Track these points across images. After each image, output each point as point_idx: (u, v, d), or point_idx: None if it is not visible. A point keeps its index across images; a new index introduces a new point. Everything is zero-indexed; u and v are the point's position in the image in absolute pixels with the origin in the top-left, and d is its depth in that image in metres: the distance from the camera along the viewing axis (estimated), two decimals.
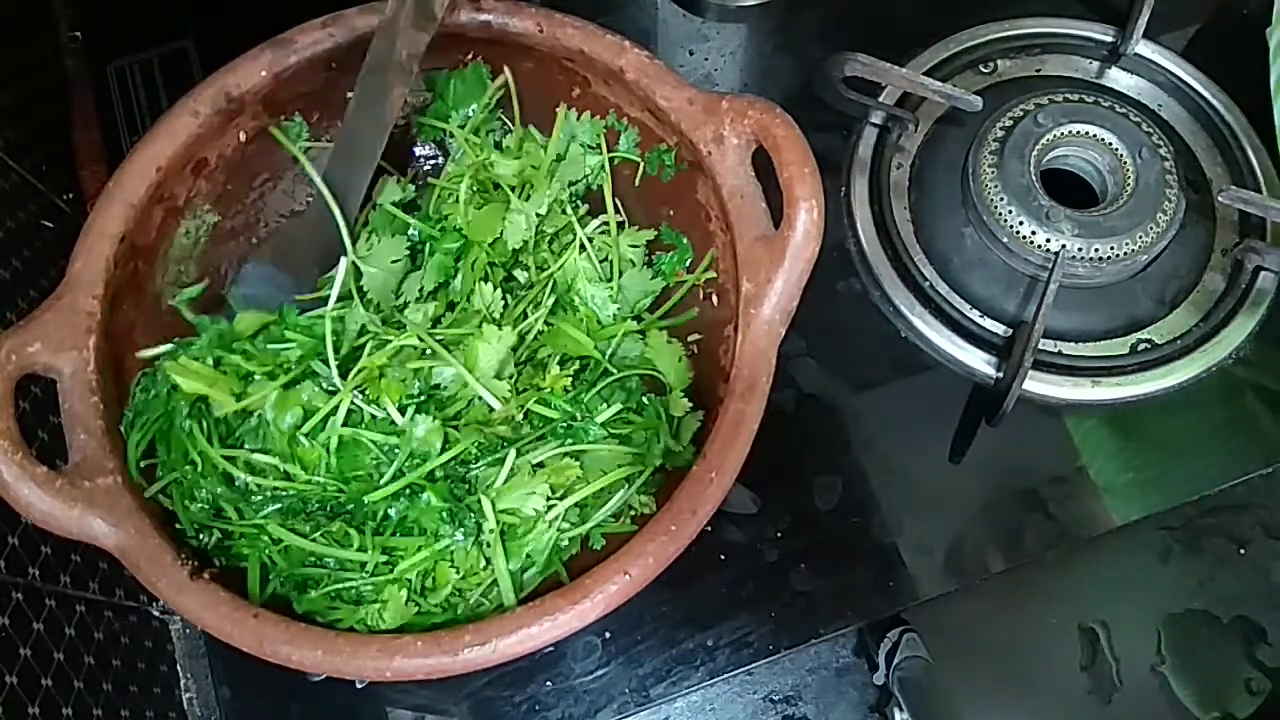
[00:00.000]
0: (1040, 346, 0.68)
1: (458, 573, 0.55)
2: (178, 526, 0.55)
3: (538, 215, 0.64)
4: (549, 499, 0.55)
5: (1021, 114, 0.73)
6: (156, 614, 0.85)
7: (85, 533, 0.49)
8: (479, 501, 0.54)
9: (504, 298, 0.62)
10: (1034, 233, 0.69)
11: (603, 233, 0.66)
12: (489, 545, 0.55)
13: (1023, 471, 0.69)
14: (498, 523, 0.54)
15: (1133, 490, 0.68)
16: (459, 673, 0.47)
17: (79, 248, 0.54)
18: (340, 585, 0.54)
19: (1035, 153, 0.71)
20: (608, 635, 0.65)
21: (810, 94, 0.78)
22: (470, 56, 0.65)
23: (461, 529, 0.54)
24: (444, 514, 0.54)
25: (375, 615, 0.53)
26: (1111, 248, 0.69)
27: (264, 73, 0.59)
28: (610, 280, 0.64)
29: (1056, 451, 0.69)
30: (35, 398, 0.70)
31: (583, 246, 0.64)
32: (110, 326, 0.54)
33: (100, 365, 0.53)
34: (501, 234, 0.63)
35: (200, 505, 0.55)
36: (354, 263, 0.61)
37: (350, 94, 0.61)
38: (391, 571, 0.54)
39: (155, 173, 0.57)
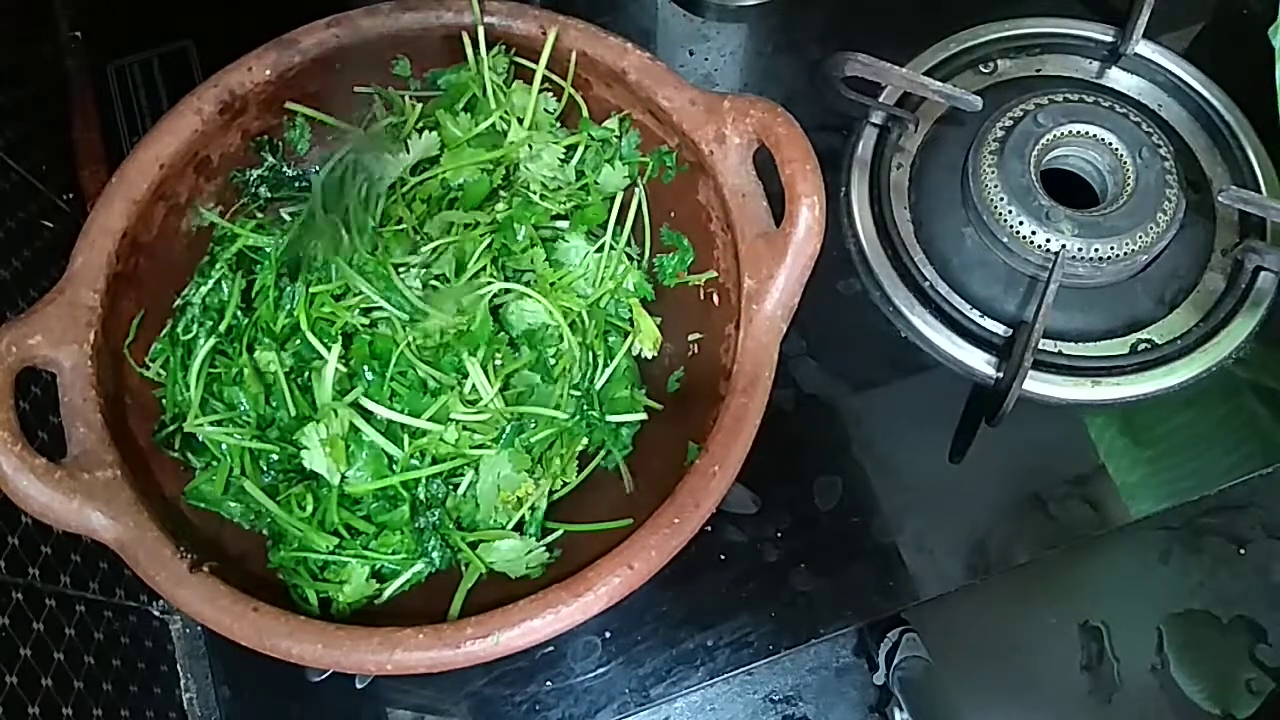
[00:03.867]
0: (1040, 346, 0.68)
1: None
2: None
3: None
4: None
5: (1021, 114, 0.73)
6: (156, 614, 0.85)
7: (84, 525, 0.49)
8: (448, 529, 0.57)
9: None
10: (1034, 233, 0.69)
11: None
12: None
13: (1023, 472, 0.69)
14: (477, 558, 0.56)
15: (1134, 490, 0.68)
16: (461, 665, 0.47)
17: (81, 243, 0.54)
18: (302, 552, 0.55)
19: (1035, 153, 0.71)
20: (608, 635, 0.64)
21: (810, 94, 0.78)
22: None
23: (425, 558, 0.57)
24: (411, 535, 0.57)
25: (335, 589, 0.54)
26: (1111, 248, 0.69)
27: (268, 72, 0.59)
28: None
29: (1056, 452, 0.69)
30: (35, 398, 0.70)
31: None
32: (110, 321, 0.54)
33: (100, 359, 0.53)
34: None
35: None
36: None
37: (355, 92, 0.61)
38: (352, 549, 0.56)
39: (158, 170, 0.57)
